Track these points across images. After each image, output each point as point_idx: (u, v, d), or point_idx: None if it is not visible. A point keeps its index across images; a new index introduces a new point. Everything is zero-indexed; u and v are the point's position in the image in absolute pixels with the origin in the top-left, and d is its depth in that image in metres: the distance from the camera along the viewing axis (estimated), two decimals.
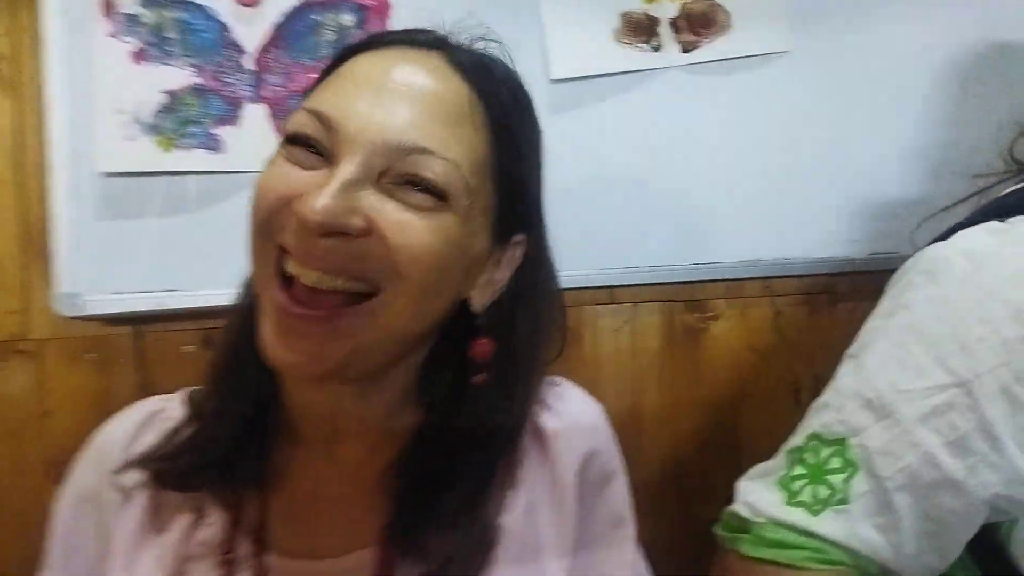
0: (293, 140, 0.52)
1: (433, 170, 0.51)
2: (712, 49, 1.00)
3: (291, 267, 0.51)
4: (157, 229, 0.90)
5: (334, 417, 0.60)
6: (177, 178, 0.90)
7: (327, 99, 0.52)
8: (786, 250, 1.03)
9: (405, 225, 0.50)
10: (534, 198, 0.61)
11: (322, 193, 0.48)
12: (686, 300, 1.05)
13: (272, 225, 0.51)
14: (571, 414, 0.64)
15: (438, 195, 0.51)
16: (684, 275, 1.03)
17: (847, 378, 0.66)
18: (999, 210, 0.65)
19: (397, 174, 0.51)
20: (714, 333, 1.06)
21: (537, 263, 0.62)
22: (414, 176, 0.51)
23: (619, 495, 0.64)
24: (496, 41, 0.61)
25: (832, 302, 1.05)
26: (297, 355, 0.50)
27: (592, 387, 1.01)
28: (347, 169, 0.49)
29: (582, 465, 0.62)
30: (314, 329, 0.50)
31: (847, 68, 1.02)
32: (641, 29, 0.98)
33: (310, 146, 0.52)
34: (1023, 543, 0.63)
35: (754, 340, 1.06)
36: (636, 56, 0.98)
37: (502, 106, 0.56)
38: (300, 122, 0.52)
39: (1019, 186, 0.69)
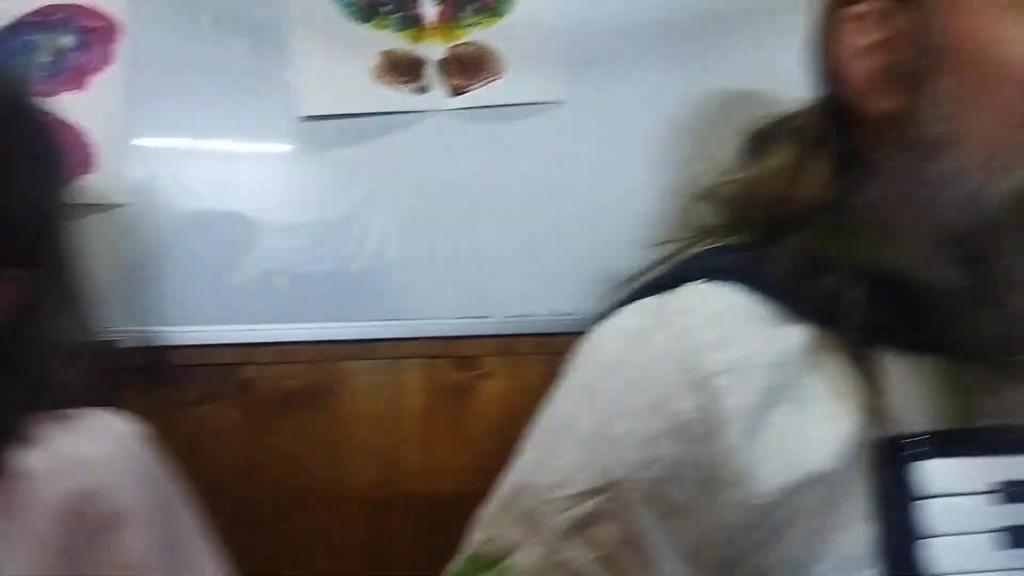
0: None
1: None
2: (482, 95, 0.95)
3: None
4: None
5: None
6: None
7: None
8: (562, 305, 0.98)
9: None
10: (40, 230, 0.53)
11: None
12: (454, 356, 0.98)
13: None
14: (63, 450, 0.54)
15: None
16: (451, 329, 0.97)
17: (507, 480, 0.59)
18: (667, 280, 0.60)
19: None
20: (484, 392, 0.99)
21: (50, 306, 0.54)
22: None
23: (131, 543, 0.54)
24: None
25: None
26: None
27: (345, 451, 0.95)
28: None
29: (66, 509, 0.52)
30: None
31: (621, 120, 0.99)
32: (404, 69, 0.93)
33: None
34: None
35: (527, 400, 0.98)
36: (398, 97, 0.93)
37: None
38: None
39: (692, 253, 0.63)
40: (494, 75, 0.95)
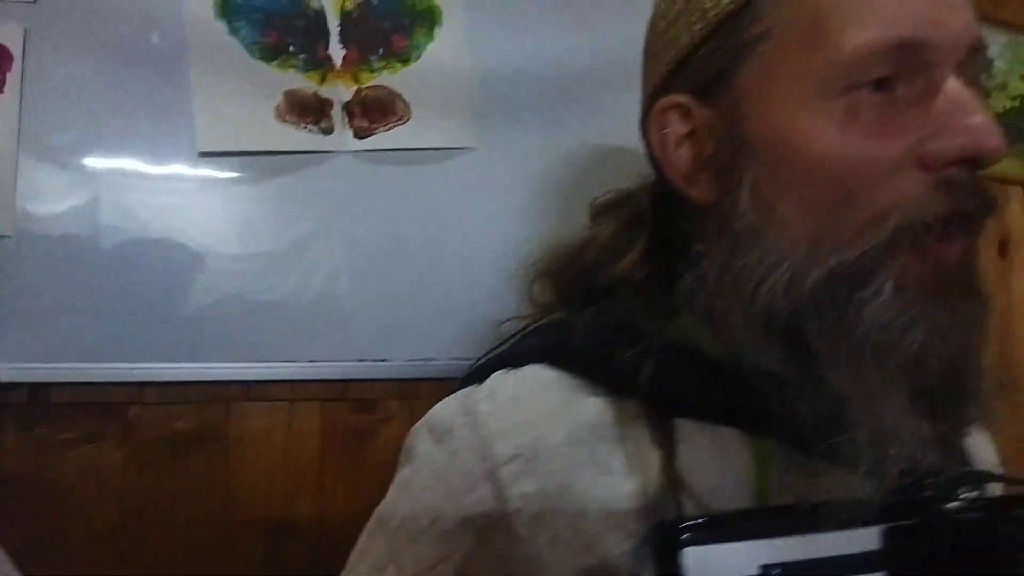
0: None
1: None
2: (389, 138, 0.96)
3: None
4: None
5: None
6: None
7: None
8: (462, 350, 0.98)
9: None
10: None
11: None
12: (351, 399, 0.97)
13: None
14: None
15: None
16: (350, 372, 0.95)
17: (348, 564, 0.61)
18: (483, 368, 0.60)
19: None
20: (382, 436, 0.98)
21: None
22: None
23: None
24: None
25: None
26: None
27: (235, 495, 0.93)
28: None
29: None
30: None
31: (527, 168, 1.00)
32: (308, 110, 0.93)
33: None
34: None
35: None
36: (302, 137, 0.93)
37: None
38: None
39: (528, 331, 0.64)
40: (400, 119, 0.96)
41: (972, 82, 0.50)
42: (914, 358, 0.47)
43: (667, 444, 0.52)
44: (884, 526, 0.48)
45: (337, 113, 0.94)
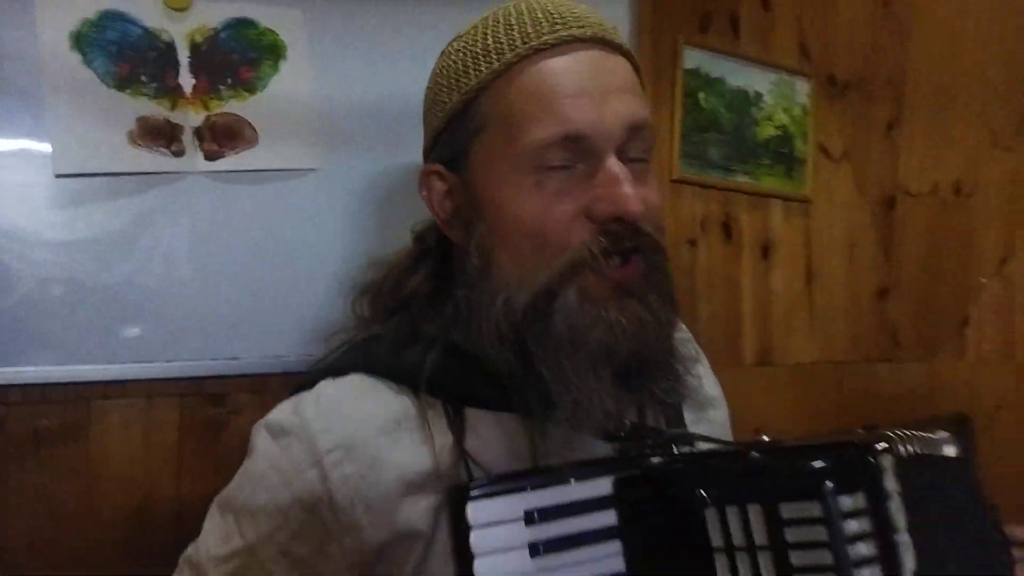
0: None
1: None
2: (238, 160, 1.06)
3: None
4: None
5: None
6: None
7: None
8: (304, 350, 1.10)
9: None
10: None
11: None
12: (205, 394, 1.08)
13: None
14: None
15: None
16: (203, 370, 1.07)
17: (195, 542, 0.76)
18: (312, 377, 0.76)
19: None
20: (235, 427, 1.09)
21: None
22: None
23: None
24: None
25: None
26: None
27: (97, 485, 1.02)
28: None
29: None
30: None
31: (370, 188, 1.14)
32: (160, 134, 1.02)
33: None
34: None
35: None
36: (154, 159, 1.02)
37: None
38: None
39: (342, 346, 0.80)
40: (249, 144, 1.07)
41: (635, 149, 0.70)
42: (603, 348, 0.67)
43: (459, 429, 0.70)
44: (613, 477, 0.66)
45: (188, 137, 1.04)
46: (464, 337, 0.72)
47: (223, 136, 1.05)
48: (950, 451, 0.70)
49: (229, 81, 1.06)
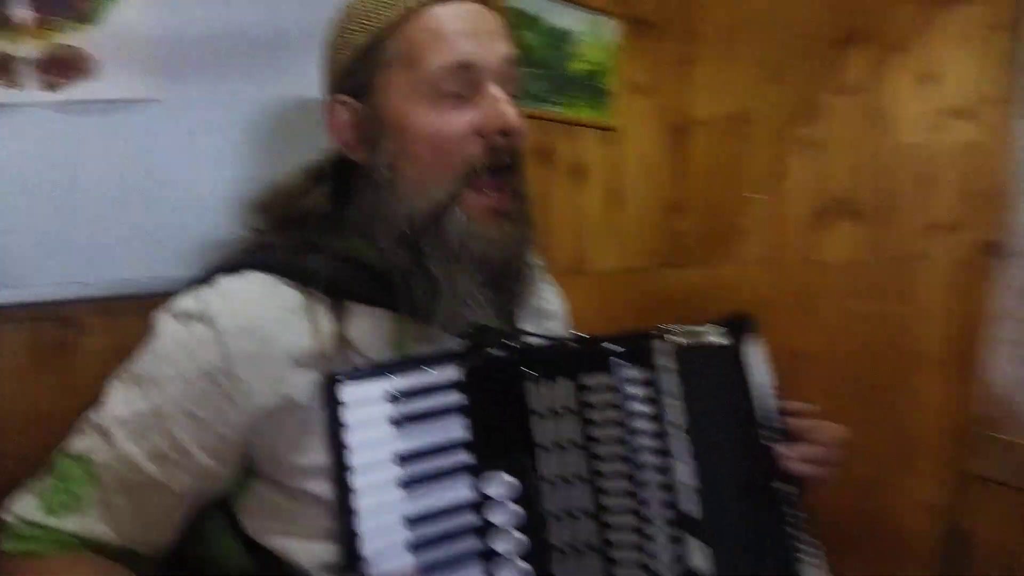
0: None
1: None
2: (77, 91, 1.08)
3: None
4: None
5: None
6: None
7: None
8: (160, 271, 1.17)
9: None
10: None
11: None
12: (56, 318, 1.13)
13: None
14: None
15: None
16: (54, 294, 1.11)
17: (97, 407, 0.86)
18: (213, 271, 0.89)
19: None
20: (85, 347, 1.15)
21: None
22: None
23: None
24: None
25: None
26: None
27: None
28: None
29: None
30: None
31: (212, 118, 1.19)
32: None
33: None
34: (243, 511, 0.90)
35: (124, 353, 1.18)
36: None
37: None
38: None
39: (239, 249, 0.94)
40: (87, 75, 1.09)
41: (508, 84, 0.89)
42: (480, 257, 0.85)
43: (340, 320, 0.86)
44: (462, 366, 0.80)
45: (24, 69, 1.05)
46: (362, 242, 0.87)
47: (62, 67, 1.07)
48: (723, 342, 0.92)
49: (64, 12, 1.07)
